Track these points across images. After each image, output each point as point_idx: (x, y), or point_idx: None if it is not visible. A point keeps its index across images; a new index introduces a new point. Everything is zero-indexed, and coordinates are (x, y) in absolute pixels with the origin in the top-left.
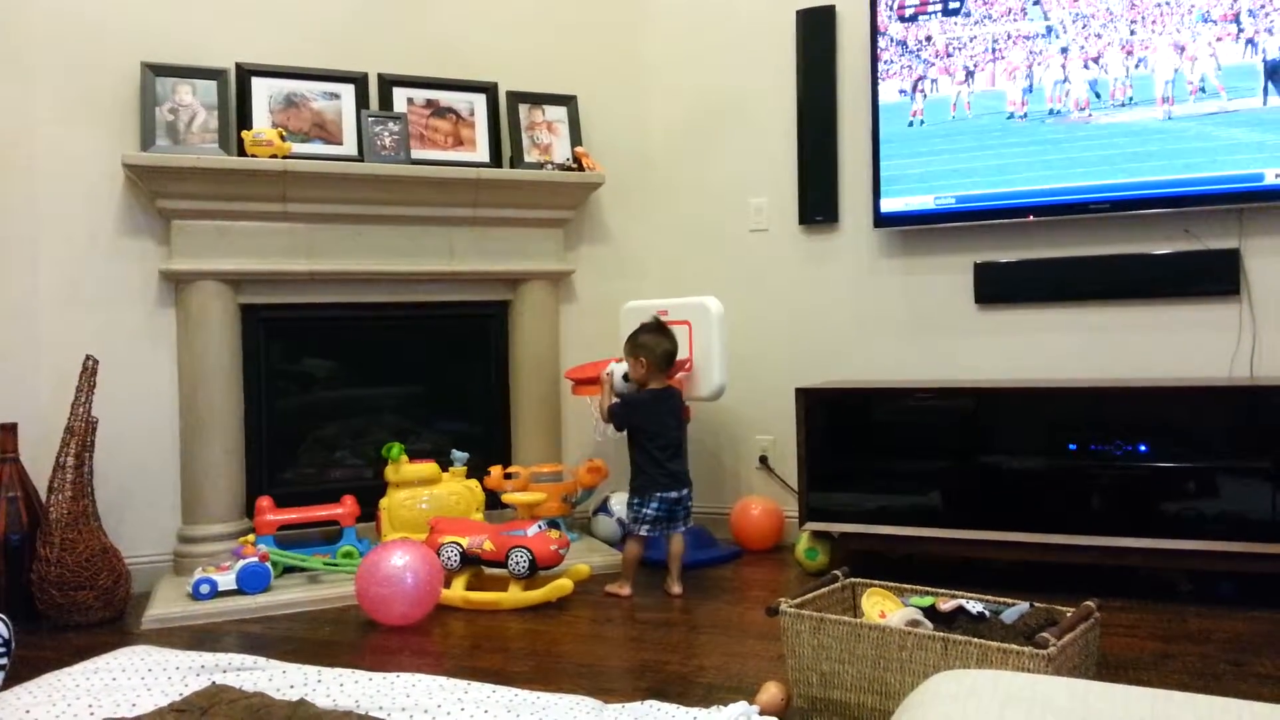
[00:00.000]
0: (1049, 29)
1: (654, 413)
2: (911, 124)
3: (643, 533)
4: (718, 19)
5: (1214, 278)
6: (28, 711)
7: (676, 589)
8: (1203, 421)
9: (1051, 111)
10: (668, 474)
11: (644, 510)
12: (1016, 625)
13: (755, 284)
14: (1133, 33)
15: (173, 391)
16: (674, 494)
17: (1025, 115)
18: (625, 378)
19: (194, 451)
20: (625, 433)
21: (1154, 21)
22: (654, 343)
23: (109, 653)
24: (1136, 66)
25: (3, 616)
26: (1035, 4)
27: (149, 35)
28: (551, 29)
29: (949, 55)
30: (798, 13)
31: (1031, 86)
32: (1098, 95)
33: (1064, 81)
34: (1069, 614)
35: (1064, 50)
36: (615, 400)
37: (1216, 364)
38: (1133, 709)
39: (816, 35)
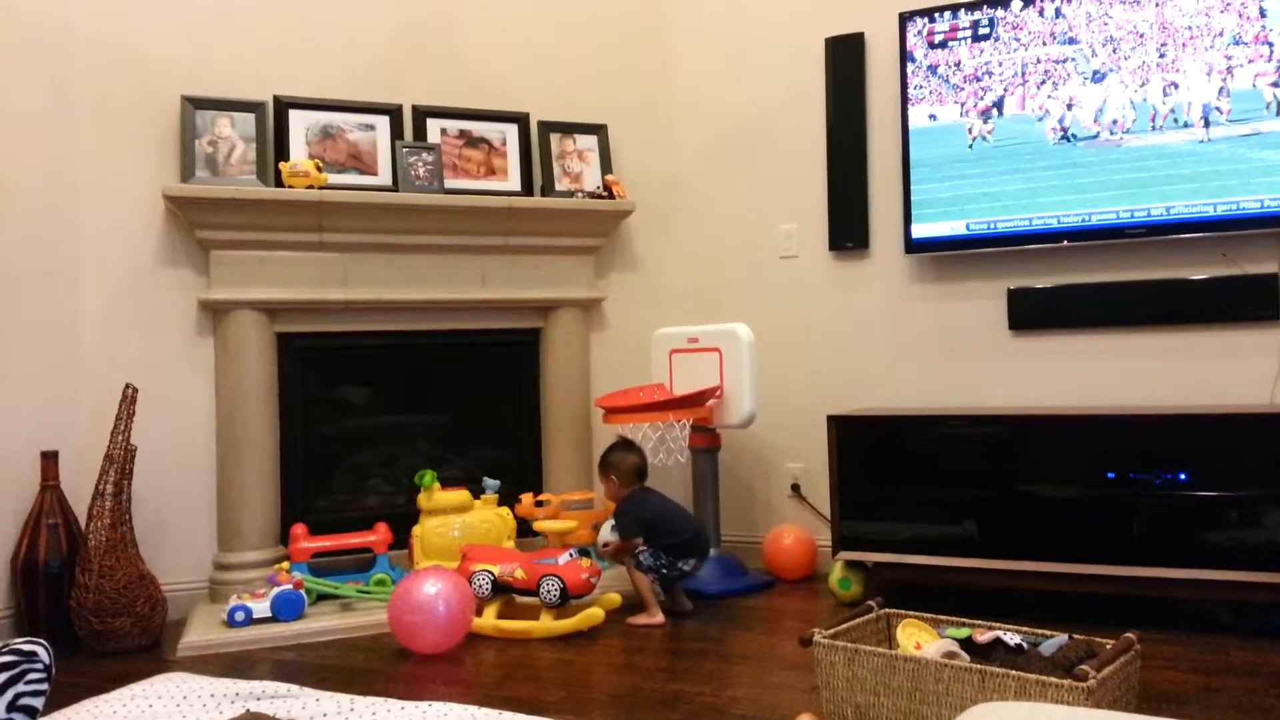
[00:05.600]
0: (1079, 53)
1: (657, 506)
2: (942, 150)
3: (651, 578)
4: (746, 47)
5: (1253, 303)
6: None
7: (688, 604)
8: (1244, 449)
9: (1083, 135)
10: (699, 546)
11: (665, 571)
12: (1055, 657)
13: (786, 311)
14: (1162, 55)
15: (210, 419)
16: (690, 563)
17: (1057, 139)
18: (611, 530)
19: (230, 479)
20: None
21: (1184, 44)
22: (619, 459)
23: (145, 680)
24: (1167, 90)
25: (43, 642)
26: (1065, 29)
27: (189, 69)
28: (581, 59)
29: (978, 79)
30: (827, 40)
31: (1067, 112)
32: (1115, 121)
33: (1095, 105)
34: (1109, 646)
35: (1094, 74)
36: (615, 537)
37: (1257, 391)
38: None
39: (846, 62)
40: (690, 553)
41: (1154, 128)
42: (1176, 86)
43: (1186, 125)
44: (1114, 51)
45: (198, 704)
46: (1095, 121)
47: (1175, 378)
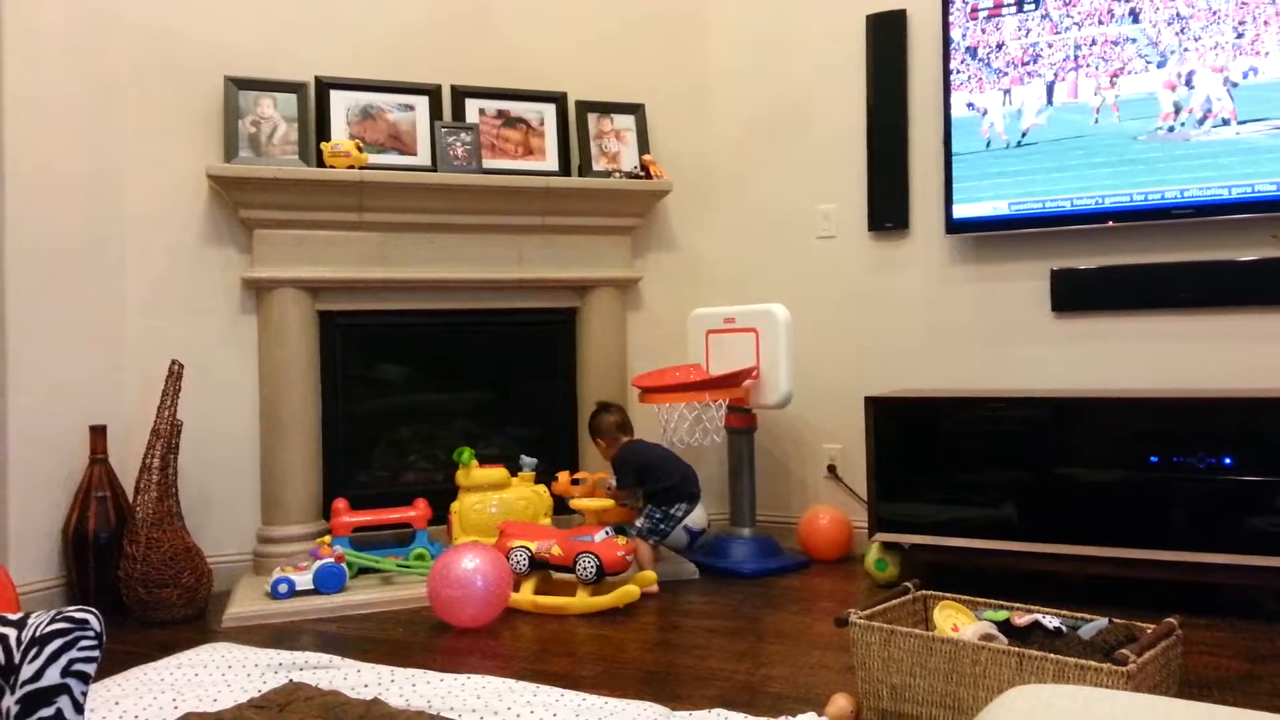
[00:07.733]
0: (1142, 33)
1: (648, 453)
2: (985, 131)
3: (652, 541)
4: (785, 24)
5: None
6: (117, 703)
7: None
8: None
9: (1145, 131)
10: (688, 490)
11: (663, 526)
12: (1094, 641)
13: (823, 291)
14: (1240, 35)
15: (254, 395)
16: (681, 508)
17: (1114, 133)
18: (615, 485)
19: (273, 454)
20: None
21: (1266, 23)
22: (600, 421)
23: (191, 649)
24: (1246, 74)
25: (95, 610)
26: (1126, 10)
27: (232, 50)
28: (619, 39)
29: (1024, 64)
30: (867, 17)
31: (1126, 101)
32: (1188, 112)
33: (1161, 94)
34: (1149, 631)
35: (1146, 60)
36: (616, 486)
37: None
38: None
39: (887, 40)
40: (679, 497)
41: (1213, 121)
42: (1252, 74)
43: (1258, 118)
44: (1181, 31)
45: (242, 673)
46: (1147, 110)
47: (1221, 360)
